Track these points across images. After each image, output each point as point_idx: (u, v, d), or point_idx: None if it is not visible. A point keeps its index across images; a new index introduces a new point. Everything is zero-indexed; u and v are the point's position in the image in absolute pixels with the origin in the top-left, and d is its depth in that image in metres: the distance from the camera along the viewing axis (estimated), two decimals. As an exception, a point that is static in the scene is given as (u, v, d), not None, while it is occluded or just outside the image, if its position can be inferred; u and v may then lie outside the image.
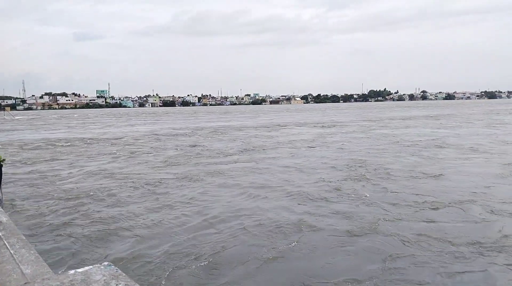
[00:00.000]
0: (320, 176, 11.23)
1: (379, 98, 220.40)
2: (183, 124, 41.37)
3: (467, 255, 5.50)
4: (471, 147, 16.76)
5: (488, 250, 5.64)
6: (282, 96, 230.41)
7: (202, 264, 5.47)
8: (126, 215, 7.79)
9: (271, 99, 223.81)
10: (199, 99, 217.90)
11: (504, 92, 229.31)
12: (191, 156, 15.90)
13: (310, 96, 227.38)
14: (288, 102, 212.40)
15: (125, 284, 1.84)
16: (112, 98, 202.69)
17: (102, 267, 2.02)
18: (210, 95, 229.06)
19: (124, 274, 1.94)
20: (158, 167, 13.45)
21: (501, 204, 7.95)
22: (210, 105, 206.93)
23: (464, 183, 10.03)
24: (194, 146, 19.57)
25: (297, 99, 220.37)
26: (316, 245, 6.04)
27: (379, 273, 5.02)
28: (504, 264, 5.19)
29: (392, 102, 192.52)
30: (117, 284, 1.83)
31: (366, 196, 8.86)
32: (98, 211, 8.16)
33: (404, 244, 5.96)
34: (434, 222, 6.97)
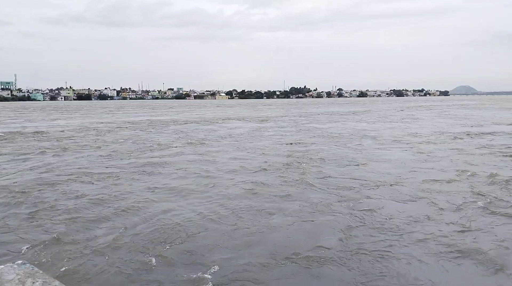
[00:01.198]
0: (265, 166, 12.09)
1: (299, 95, 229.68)
2: (112, 118, 39.82)
3: (404, 227, 6.67)
4: (390, 139, 18.98)
5: (420, 222, 6.92)
6: (207, 91, 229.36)
7: (175, 249, 5.88)
8: (77, 210, 7.92)
9: (195, 94, 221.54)
10: (118, 92, 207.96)
11: (410, 91, 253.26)
12: (135, 149, 15.85)
13: (235, 92, 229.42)
14: (213, 97, 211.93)
15: (43, 282, 1.70)
16: (19, 90, 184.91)
17: (15, 266, 1.82)
18: (130, 88, 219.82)
19: (41, 272, 1.80)
20: (104, 161, 13.31)
21: (423, 184, 9.51)
22: (130, 99, 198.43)
23: (388, 168, 11.57)
24: (135, 139, 19.37)
25: (221, 94, 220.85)
26: (275, 226, 6.69)
27: (335, 244, 5.85)
28: (437, 232, 6.49)
29: (311, 99, 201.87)
30: (33, 282, 1.68)
31: (309, 182, 9.87)
32: (36, 209, 8.09)
33: (352, 219, 6.99)
34: (372, 200, 8.19)
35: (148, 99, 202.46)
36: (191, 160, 13.15)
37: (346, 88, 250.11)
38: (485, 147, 15.81)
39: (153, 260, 5.36)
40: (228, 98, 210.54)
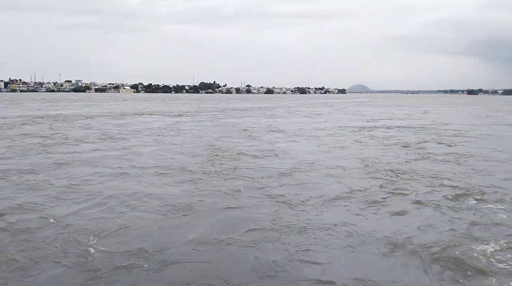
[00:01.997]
0: (188, 160, 12.44)
1: (209, 90, 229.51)
2: (6, 112, 35.86)
3: (318, 206, 7.70)
4: (298, 132, 20.63)
5: (331, 200, 8.04)
6: (109, 84, 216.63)
7: (109, 241, 6.11)
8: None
9: (96, 87, 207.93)
10: (6, 84, 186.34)
11: (312, 88, 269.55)
12: (45, 145, 14.93)
13: (141, 85, 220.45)
14: (116, 91, 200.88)
15: None
16: None
17: None
18: (20, 80, 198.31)
19: None
20: (11, 157, 12.41)
21: (329, 170, 10.85)
22: (21, 91, 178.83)
23: (299, 158, 12.73)
24: (43, 134, 18.07)
25: (126, 87, 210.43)
26: (204, 215, 7.16)
27: (266, 225, 6.57)
28: (344, 209, 7.66)
29: (221, 94, 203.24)
30: None
31: (230, 173, 10.44)
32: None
33: (275, 203, 7.75)
34: (289, 186, 9.13)
35: (42, 91, 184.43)
36: (109, 156, 12.83)
37: (254, 84, 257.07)
38: (378, 138, 18.18)
39: (90, 250, 5.50)
40: (134, 92, 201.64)
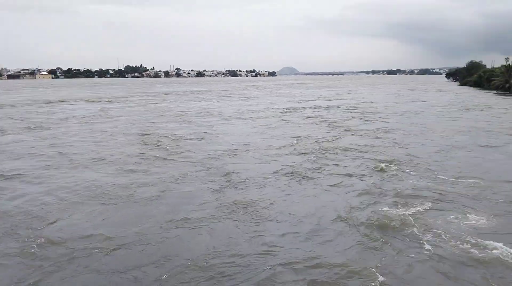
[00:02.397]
0: (124, 148, 12.27)
1: (136, 74, 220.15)
2: None
3: (259, 182, 8.17)
4: (233, 115, 21.02)
5: (270, 177, 8.56)
6: (24, 69, 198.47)
7: (54, 230, 6.09)
8: None
9: (9, 73, 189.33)
10: None
11: (243, 71, 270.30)
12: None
13: (60, 71, 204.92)
14: (32, 77, 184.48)
15: None
16: None
17: None
18: None
19: None
20: None
21: (266, 150, 11.42)
22: None
23: (237, 140, 13.15)
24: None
25: (43, 73, 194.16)
26: (149, 196, 7.31)
27: (211, 205, 6.89)
28: (281, 183, 8.24)
29: (149, 78, 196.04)
30: None
31: (170, 158, 10.53)
32: None
33: (219, 183, 8.11)
34: (231, 165, 9.49)
35: None
36: (37, 146, 12.20)
37: (184, 68, 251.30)
38: (309, 118, 19.20)
39: (38, 241, 5.44)
40: (52, 77, 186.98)
